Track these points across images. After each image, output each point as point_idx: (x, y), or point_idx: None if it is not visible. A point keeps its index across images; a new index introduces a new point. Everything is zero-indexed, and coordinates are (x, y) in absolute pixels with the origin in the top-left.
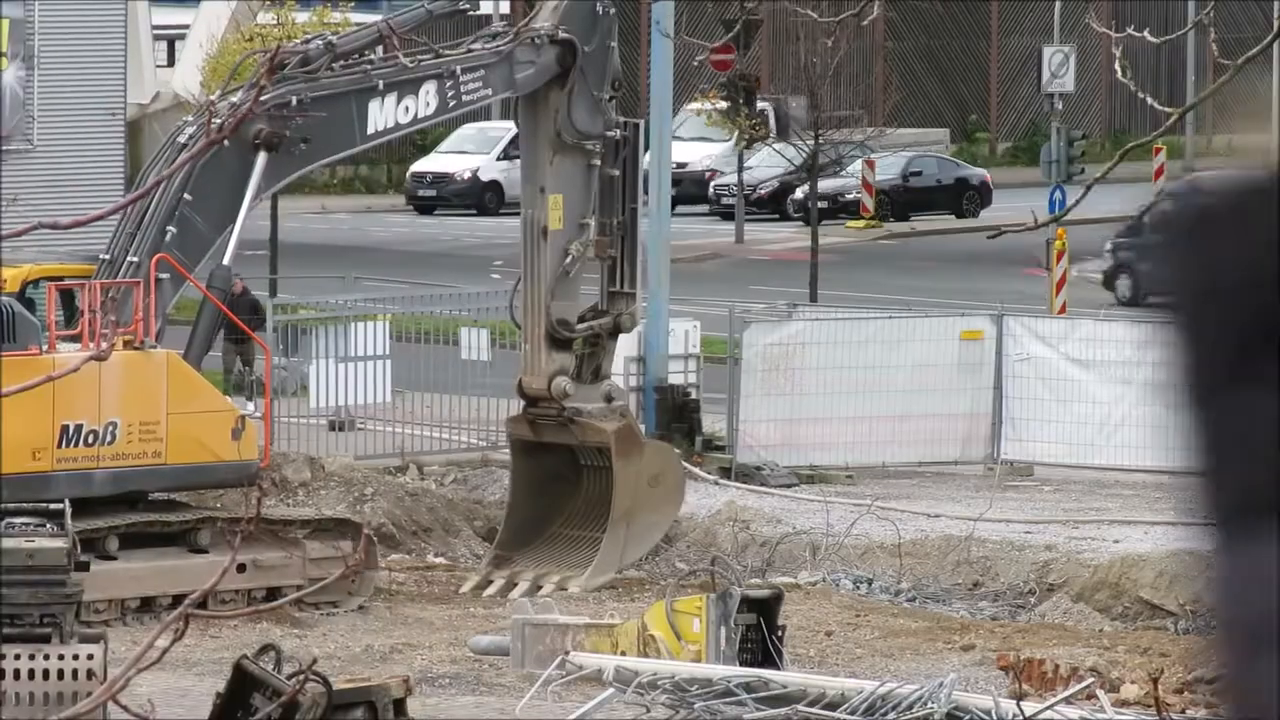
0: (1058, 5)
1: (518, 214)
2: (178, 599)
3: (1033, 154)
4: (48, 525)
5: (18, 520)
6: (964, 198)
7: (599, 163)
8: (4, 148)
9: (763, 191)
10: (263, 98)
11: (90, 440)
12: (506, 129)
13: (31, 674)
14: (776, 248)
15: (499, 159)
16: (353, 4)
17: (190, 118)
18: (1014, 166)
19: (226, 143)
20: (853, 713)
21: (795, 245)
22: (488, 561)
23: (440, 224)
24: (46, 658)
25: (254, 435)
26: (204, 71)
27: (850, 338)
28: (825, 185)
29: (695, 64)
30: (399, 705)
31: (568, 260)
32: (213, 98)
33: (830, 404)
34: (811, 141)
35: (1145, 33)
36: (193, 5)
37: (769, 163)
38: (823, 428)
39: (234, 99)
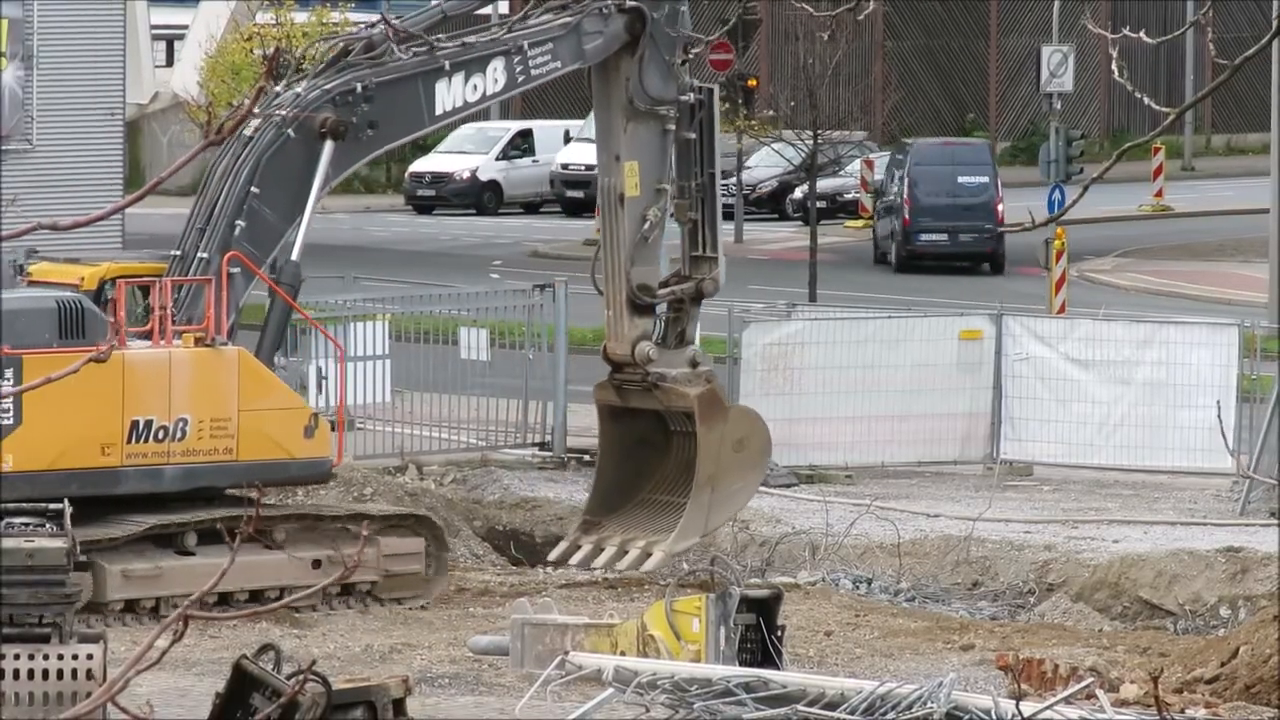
0: (1056, 5)
1: (516, 214)
2: (253, 594)
3: (1031, 154)
4: (48, 525)
5: (18, 520)
6: None
7: (674, 128)
8: (4, 148)
9: (762, 191)
10: (328, 86)
11: (160, 436)
12: (505, 129)
13: (31, 674)
14: (775, 247)
15: (498, 159)
16: (352, 4)
17: (256, 109)
18: (1013, 166)
19: (292, 133)
20: (852, 713)
21: (794, 245)
22: (575, 527)
23: (439, 224)
24: (46, 658)
25: (327, 433)
26: (203, 71)
27: (849, 337)
28: (824, 185)
29: (692, 59)
30: (398, 705)
31: (646, 226)
32: (278, 89)
33: (829, 403)
34: (810, 141)
35: (1141, 33)
36: (192, 5)
37: (768, 162)
38: (822, 427)
39: (298, 89)
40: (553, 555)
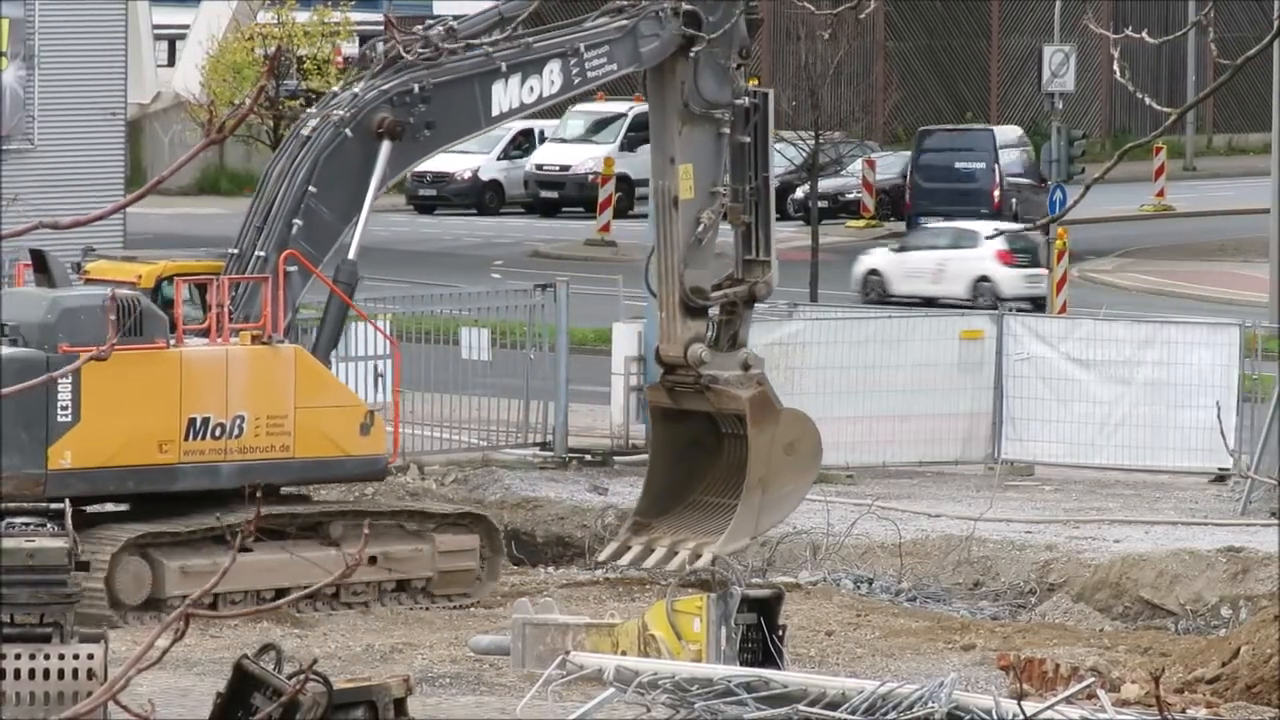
0: (1058, 5)
1: (517, 214)
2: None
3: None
4: (48, 525)
5: (18, 520)
6: None
7: (728, 131)
8: (5, 147)
9: None
10: (385, 86)
11: (217, 433)
12: (506, 129)
13: (32, 674)
14: (777, 247)
15: (499, 159)
16: (352, 4)
17: (313, 109)
18: None
19: (349, 133)
20: (853, 713)
21: (796, 245)
22: (626, 528)
23: (440, 224)
24: (47, 658)
25: (382, 430)
26: (204, 71)
27: (850, 337)
28: (826, 185)
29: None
30: (399, 705)
31: (699, 229)
32: (336, 88)
33: (830, 404)
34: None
35: (1144, 33)
36: (193, 5)
37: None
38: (823, 427)
39: (356, 89)
40: (603, 555)
